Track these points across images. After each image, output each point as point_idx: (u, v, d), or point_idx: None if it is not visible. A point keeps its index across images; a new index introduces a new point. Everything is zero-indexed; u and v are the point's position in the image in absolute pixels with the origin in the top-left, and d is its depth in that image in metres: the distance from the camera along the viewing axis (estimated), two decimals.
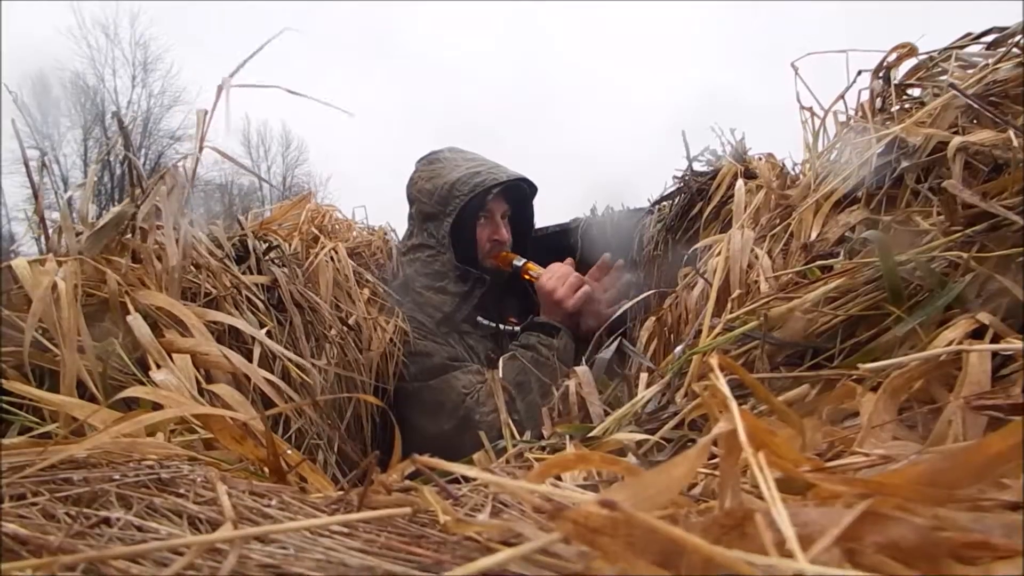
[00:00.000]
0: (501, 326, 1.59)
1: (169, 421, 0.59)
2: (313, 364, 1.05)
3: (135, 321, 0.73)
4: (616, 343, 0.87)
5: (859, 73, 1.09)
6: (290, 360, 0.91)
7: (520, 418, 1.33)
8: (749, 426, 0.30)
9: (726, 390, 0.31)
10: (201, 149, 0.95)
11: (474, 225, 1.58)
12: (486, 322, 1.58)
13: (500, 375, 1.40)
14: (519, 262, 1.60)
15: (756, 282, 0.89)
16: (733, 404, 0.30)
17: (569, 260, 1.57)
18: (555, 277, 1.53)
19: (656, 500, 0.27)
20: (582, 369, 0.78)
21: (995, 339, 0.48)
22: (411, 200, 1.64)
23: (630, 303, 1.08)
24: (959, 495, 0.27)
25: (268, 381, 0.76)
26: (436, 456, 0.34)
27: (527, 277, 1.59)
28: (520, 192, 1.65)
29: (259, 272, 1.13)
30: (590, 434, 0.64)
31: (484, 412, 1.40)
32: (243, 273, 1.08)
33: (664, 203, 1.73)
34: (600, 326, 1.50)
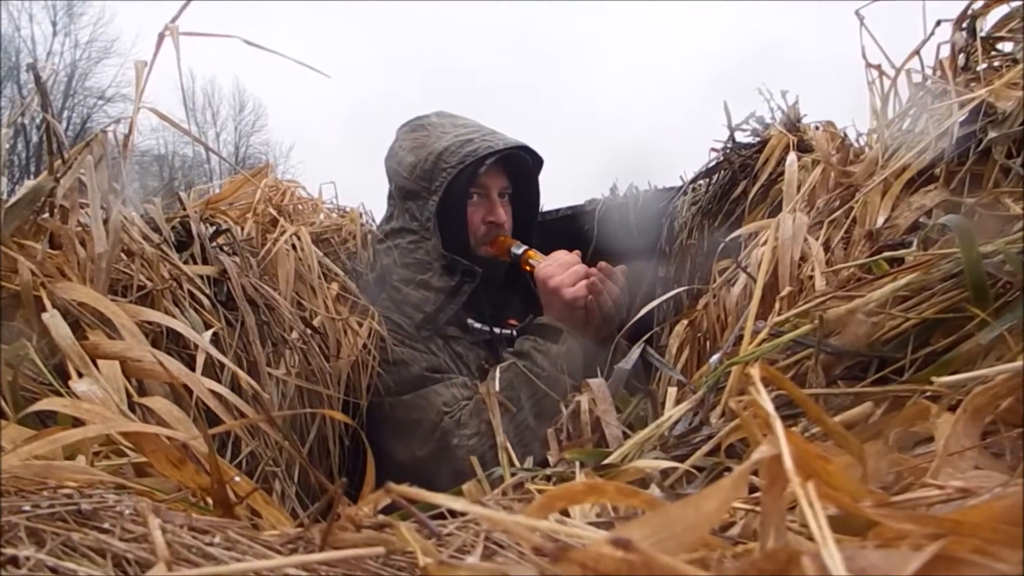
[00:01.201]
0: (497, 330, 1.58)
1: (92, 441, 0.59)
2: (269, 374, 1.06)
3: (52, 320, 0.74)
4: (639, 351, 0.87)
5: (938, 23, 1.08)
6: (240, 369, 0.91)
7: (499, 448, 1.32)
8: (797, 451, 0.30)
9: (769, 407, 0.31)
10: (138, 110, 0.95)
11: (464, 205, 1.58)
12: (478, 325, 1.58)
13: (491, 388, 1.39)
14: (519, 249, 1.59)
15: (810, 278, 0.89)
16: (777, 424, 0.30)
17: (576, 253, 1.55)
18: (555, 263, 1.52)
19: (682, 540, 0.27)
20: (597, 382, 0.78)
21: None
22: (390, 176, 1.64)
23: (657, 302, 1.08)
24: None
25: (214, 394, 0.76)
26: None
27: (528, 269, 1.58)
28: (522, 165, 1.64)
29: (204, 262, 1.13)
30: (605, 461, 0.64)
31: (465, 435, 1.39)
32: (185, 263, 1.08)
33: (700, 181, 1.73)
34: (603, 334, 1.49)
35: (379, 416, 1.43)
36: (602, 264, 1.51)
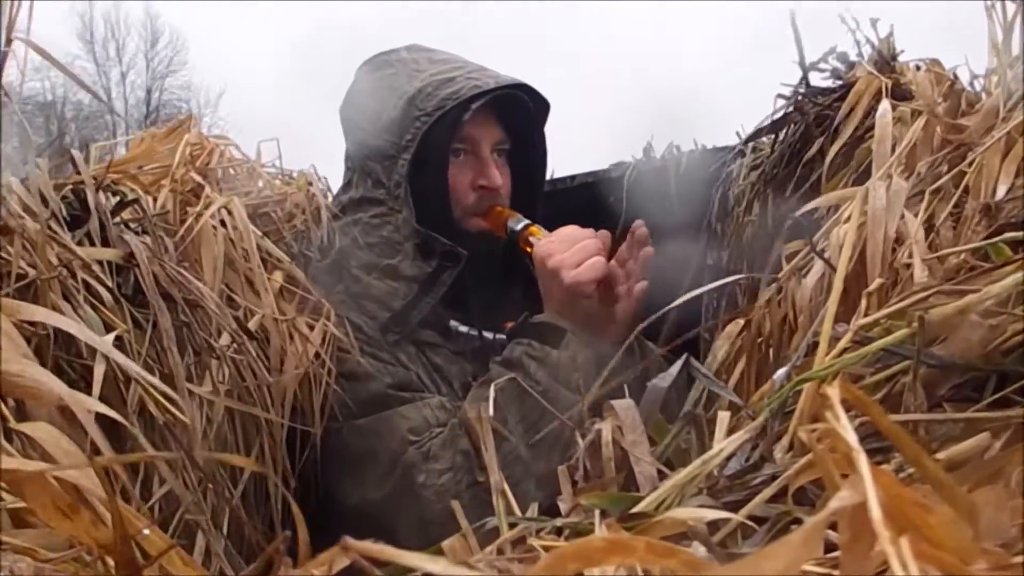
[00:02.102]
0: (489, 335, 1.57)
1: None
2: (190, 392, 1.06)
3: None
4: (680, 363, 0.87)
5: None
6: (152, 386, 0.91)
7: (481, 488, 1.32)
8: (888, 497, 0.30)
9: (851, 438, 0.31)
10: (9, 42, 0.94)
11: (445, 165, 1.57)
12: (464, 329, 1.57)
13: (483, 412, 1.37)
14: (518, 224, 1.56)
15: (908, 266, 0.89)
16: (863, 462, 0.30)
17: (592, 233, 1.51)
18: (559, 239, 1.49)
19: None
20: (623, 404, 0.78)
21: None
22: (347, 130, 1.64)
23: (700, 290, 1.08)
24: None
25: (115, 420, 0.76)
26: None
27: (529, 249, 1.55)
28: (522, 112, 1.63)
29: (105, 243, 1.13)
30: (634, 509, 0.64)
31: (434, 470, 1.38)
32: (79, 244, 1.08)
33: (763, 139, 1.73)
34: (621, 334, 1.47)
35: (332, 447, 1.42)
36: (638, 229, 1.48)
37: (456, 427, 1.41)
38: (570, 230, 1.50)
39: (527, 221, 1.56)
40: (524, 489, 1.28)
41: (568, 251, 1.45)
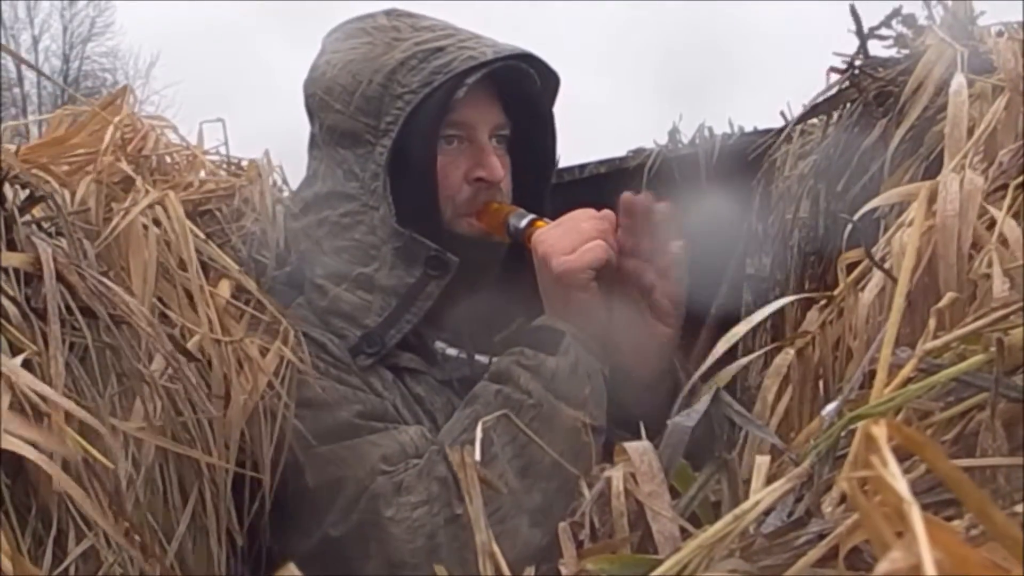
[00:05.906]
0: (483, 359, 1.56)
1: None
2: (114, 428, 1.06)
3: None
4: (710, 396, 0.87)
5: None
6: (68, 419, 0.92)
7: (461, 522, 1.31)
8: (951, 559, 0.30)
9: (902, 488, 0.31)
10: None
11: (433, 153, 1.57)
12: (453, 352, 1.57)
13: (468, 456, 1.36)
14: (521, 220, 1.54)
15: (986, 277, 0.89)
16: (916, 515, 0.30)
17: (607, 213, 1.47)
18: (557, 224, 1.48)
19: None
20: (639, 447, 0.78)
21: None
22: (313, 110, 1.63)
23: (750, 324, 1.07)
24: None
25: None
26: None
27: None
28: (526, 88, 1.63)
29: (12, 247, 1.13)
30: (652, 574, 0.64)
31: (407, 503, 1.36)
32: None
33: (813, 120, 1.73)
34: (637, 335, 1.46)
35: (285, 484, 1.41)
36: (627, 198, 1.45)
37: (434, 454, 1.39)
38: (574, 213, 1.48)
39: (532, 216, 1.53)
40: (514, 526, 1.28)
41: (564, 237, 1.44)
